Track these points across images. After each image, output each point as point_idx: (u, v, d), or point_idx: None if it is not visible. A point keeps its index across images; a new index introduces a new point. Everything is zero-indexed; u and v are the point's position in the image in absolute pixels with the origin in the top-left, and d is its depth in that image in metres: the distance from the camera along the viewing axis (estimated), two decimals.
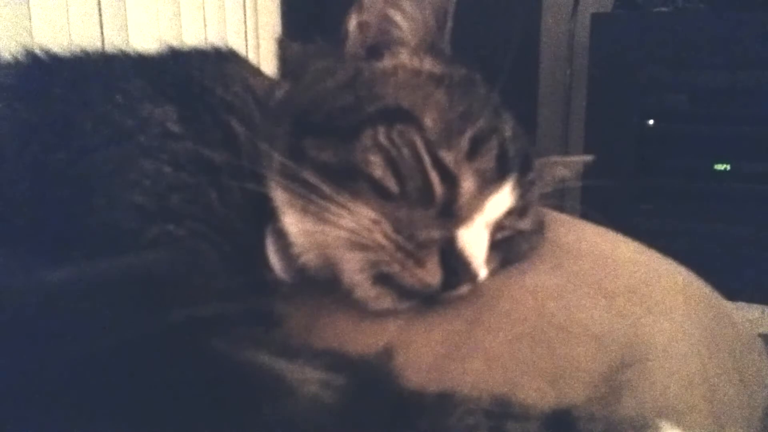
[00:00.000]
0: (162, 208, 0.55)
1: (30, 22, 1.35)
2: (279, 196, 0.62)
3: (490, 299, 0.61)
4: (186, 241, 0.55)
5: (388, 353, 0.53)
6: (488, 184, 0.61)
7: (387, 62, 0.67)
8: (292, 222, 0.62)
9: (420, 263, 0.57)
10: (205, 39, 1.83)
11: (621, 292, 0.61)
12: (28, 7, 1.34)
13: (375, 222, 0.58)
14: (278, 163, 0.61)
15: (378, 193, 0.59)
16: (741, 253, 2.07)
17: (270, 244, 0.64)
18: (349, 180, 0.59)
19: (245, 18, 2.03)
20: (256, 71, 0.77)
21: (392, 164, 0.59)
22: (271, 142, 0.62)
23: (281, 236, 0.63)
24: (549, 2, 2.55)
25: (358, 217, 0.58)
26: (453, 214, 0.59)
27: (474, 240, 0.59)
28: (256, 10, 2.09)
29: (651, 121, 2.12)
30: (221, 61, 0.74)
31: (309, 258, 0.63)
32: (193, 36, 1.79)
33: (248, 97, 0.67)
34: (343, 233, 0.59)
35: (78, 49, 0.68)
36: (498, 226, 0.63)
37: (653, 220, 2.14)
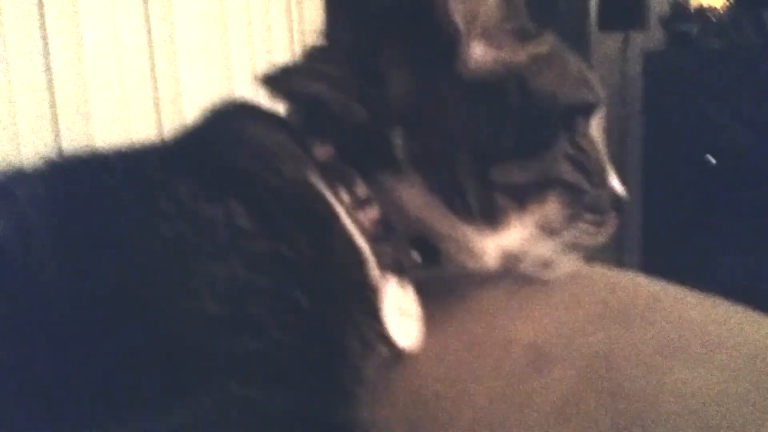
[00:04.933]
0: (237, 319, 0.47)
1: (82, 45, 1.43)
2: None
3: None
4: (265, 357, 0.47)
5: None
6: None
7: (504, 55, 0.61)
8: None
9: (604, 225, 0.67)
10: (252, 45, 1.89)
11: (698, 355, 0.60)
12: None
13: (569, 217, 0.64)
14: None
15: (569, 195, 0.63)
16: None
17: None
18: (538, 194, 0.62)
19: (291, 23, 2.07)
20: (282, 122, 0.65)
21: (580, 165, 0.64)
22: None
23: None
24: (597, 42, 2.55)
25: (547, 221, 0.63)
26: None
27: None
28: (301, 17, 2.12)
29: (711, 158, 2.08)
30: (247, 122, 0.63)
31: None
32: (239, 42, 1.86)
33: (308, 167, 0.59)
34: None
35: (92, 152, 0.59)
36: None
37: (717, 257, 2.08)
